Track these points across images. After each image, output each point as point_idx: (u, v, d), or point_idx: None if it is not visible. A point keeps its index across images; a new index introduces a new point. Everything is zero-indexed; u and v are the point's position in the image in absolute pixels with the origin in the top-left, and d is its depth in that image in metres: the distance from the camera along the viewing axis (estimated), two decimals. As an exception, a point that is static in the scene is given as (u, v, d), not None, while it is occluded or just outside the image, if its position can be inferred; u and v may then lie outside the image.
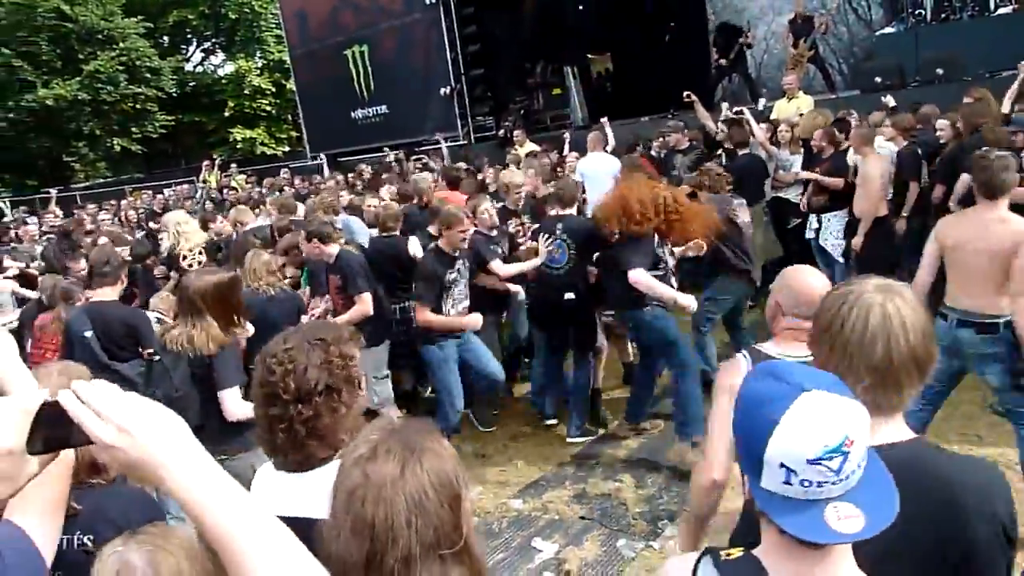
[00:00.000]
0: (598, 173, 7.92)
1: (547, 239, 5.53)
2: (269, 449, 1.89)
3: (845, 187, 6.95)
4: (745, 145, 7.98)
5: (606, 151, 8.87)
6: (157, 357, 3.88)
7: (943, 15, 11.57)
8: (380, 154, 14.18)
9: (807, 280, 2.40)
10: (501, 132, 14.64)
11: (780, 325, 2.44)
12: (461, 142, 15.18)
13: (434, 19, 15.35)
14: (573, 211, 5.65)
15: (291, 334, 1.90)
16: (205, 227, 7.93)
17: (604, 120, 10.08)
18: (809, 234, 7.42)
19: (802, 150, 7.94)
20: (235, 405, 3.61)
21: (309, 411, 1.80)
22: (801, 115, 8.78)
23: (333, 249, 5.45)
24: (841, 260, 7.03)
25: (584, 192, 7.33)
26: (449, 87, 15.37)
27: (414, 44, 15.98)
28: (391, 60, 16.52)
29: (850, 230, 6.86)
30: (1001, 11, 11.13)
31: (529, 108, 15.96)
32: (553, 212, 5.81)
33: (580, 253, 5.46)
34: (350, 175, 12.88)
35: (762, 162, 7.96)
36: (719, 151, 8.42)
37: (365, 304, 5.28)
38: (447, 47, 15.28)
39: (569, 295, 5.45)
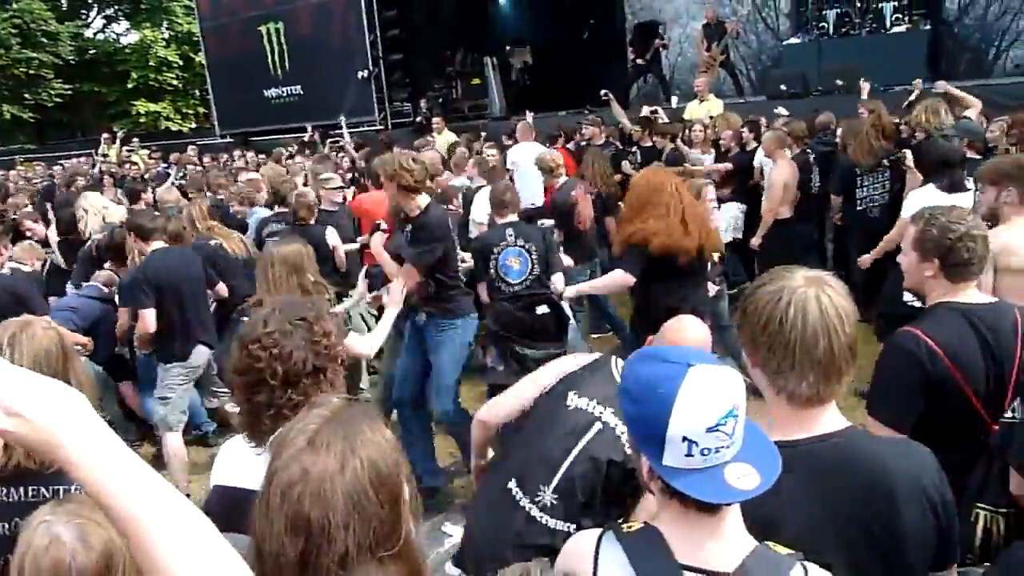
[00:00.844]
0: (529, 164, 7.84)
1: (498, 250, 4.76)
2: (252, 434, 1.82)
3: (732, 175, 7.54)
4: (674, 137, 8.21)
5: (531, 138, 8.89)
6: None
7: (844, 29, 12.18)
8: (295, 135, 13.81)
9: (684, 335, 2.32)
10: (419, 118, 14.51)
11: None
12: (378, 127, 14.96)
13: (353, 0, 15.04)
14: (515, 216, 4.98)
15: (269, 315, 1.82)
16: (136, 199, 7.59)
17: (528, 113, 10.11)
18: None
19: (712, 150, 8.21)
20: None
21: (298, 395, 1.75)
22: (712, 117, 9.08)
23: (155, 246, 5.01)
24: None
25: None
26: (367, 70, 15.11)
27: (332, 24, 15.61)
28: (308, 39, 16.10)
29: (749, 227, 7.21)
30: (896, 29, 11.82)
31: (447, 96, 15.87)
32: (500, 219, 4.96)
33: (541, 262, 4.80)
34: (262, 156, 12.50)
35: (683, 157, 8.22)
36: (633, 148, 8.64)
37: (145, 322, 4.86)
38: (366, 30, 15.01)
39: (542, 308, 4.77)
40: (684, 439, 1.26)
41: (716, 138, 8.19)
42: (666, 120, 8.53)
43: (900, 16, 11.86)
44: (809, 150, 7.39)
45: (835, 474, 1.53)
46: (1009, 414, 2.15)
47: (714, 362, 1.31)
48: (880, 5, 11.99)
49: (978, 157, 5.51)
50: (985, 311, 2.35)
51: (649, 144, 8.47)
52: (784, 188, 6.69)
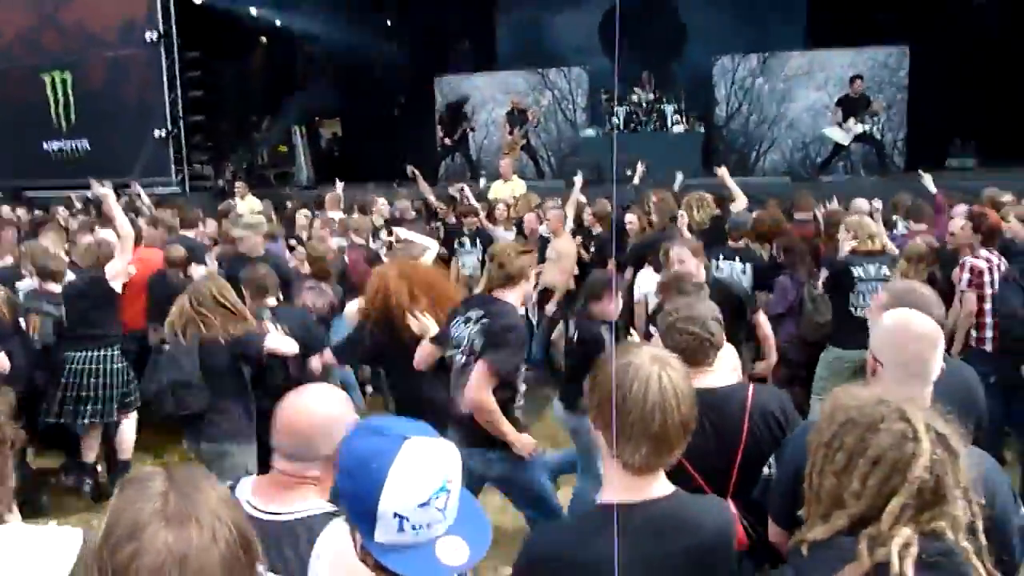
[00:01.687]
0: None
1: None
2: None
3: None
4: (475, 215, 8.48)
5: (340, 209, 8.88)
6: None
7: (632, 125, 13.43)
8: (78, 191, 12.72)
9: None
10: (220, 182, 13.94)
11: None
12: (174, 188, 14.16)
13: (154, 57, 14.33)
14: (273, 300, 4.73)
15: None
16: None
17: (338, 183, 10.03)
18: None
19: (514, 228, 8.58)
20: None
21: None
22: (515, 197, 9.54)
23: None
24: None
25: None
26: (165, 130, 14.36)
27: (128, 79, 14.74)
28: (99, 92, 15.05)
29: (543, 298, 7.58)
30: (676, 129, 13.21)
31: (252, 162, 15.42)
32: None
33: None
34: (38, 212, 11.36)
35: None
36: (438, 223, 8.84)
37: None
38: (166, 88, 14.31)
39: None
40: (395, 515, 1.26)
41: (518, 217, 8.56)
42: (471, 199, 8.84)
43: (679, 118, 13.28)
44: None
45: (664, 530, 1.68)
46: (766, 470, 2.37)
47: (431, 434, 1.33)
48: (662, 107, 13.37)
49: (741, 245, 6.19)
50: (710, 395, 2.44)
51: (454, 221, 8.70)
52: (568, 257, 7.17)
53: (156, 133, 14.35)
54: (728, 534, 1.77)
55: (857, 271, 5.24)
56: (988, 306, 5.20)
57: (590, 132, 14.08)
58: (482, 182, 12.40)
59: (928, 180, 7.65)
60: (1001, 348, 5.08)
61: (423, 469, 1.27)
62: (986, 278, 5.24)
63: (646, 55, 14.30)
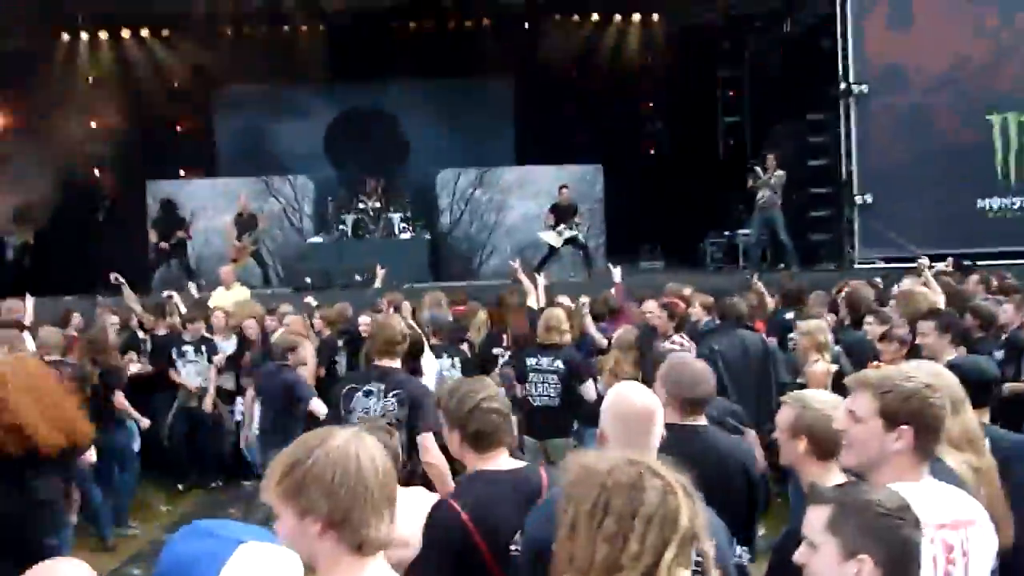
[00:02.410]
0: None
1: None
2: None
3: None
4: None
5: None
6: None
7: (360, 233, 13.59)
8: None
9: None
10: None
11: None
12: None
13: None
14: None
15: None
16: None
17: (29, 298, 8.78)
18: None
19: (234, 336, 8.15)
20: None
21: None
22: (236, 304, 9.08)
23: None
24: None
25: None
26: None
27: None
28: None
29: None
30: (403, 236, 13.61)
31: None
32: None
33: None
34: None
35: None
36: (147, 333, 8.21)
37: None
38: None
39: None
40: None
41: (237, 325, 8.18)
42: (181, 307, 8.31)
43: (405, 225, 13.73)
44: (341, 334, 7.83)
45: None
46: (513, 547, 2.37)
47: (268, 539, 1.20)
48: (390, 215, 13.74)
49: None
50: (511, 477, 2.53)
51: (163, 332, 8.10)
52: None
53: None
54: None
55: (531, 361, 5.72)
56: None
57: (318, 239, 13.99)
58: (193, 288, 11.70)
59: (616, 272, 8.52)
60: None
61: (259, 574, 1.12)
62: (681, 358, 5.94)
63: (373, 166, 14.77)
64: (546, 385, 5.68)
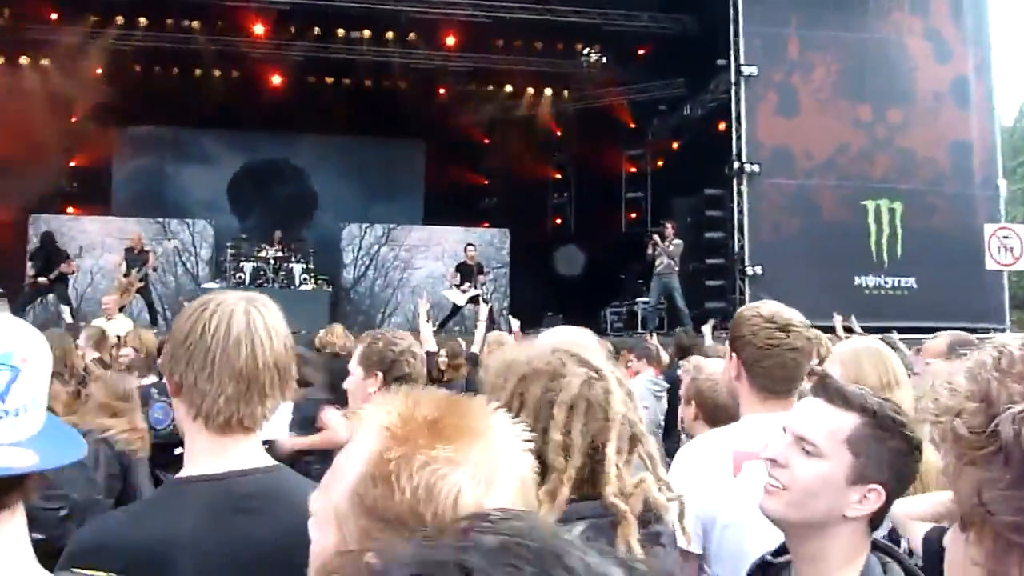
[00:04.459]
0: None
1: None
2: None
3: None
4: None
5: None
6: None
7: (259, 282, 13.24)
8: None
9: None
10: None
11: None
12: None
13: None
14: None
15: None
16: None
17: None
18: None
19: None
20: None
21: None
22: (118, 336, 8.60)
23: None
24: None
25: None
26: None
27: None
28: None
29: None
30: (304, 287, 13.34)
31: None
32: None
33: None
34: None
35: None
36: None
37: None
38: None
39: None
40: None
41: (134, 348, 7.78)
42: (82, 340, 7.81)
43: (307, 276, 13.48)
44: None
45: (257, 508, 1.38)
46: None
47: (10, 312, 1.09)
48: (291, 265, 13.48)
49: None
50: None
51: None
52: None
53: None
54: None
55: None
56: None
57: (213, 285, 13.52)
58: (66, 311, 11.13)
59: (515, 323, 8.72)
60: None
61: None
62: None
63: (278, 216, 14.57)
64: None
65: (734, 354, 1.99)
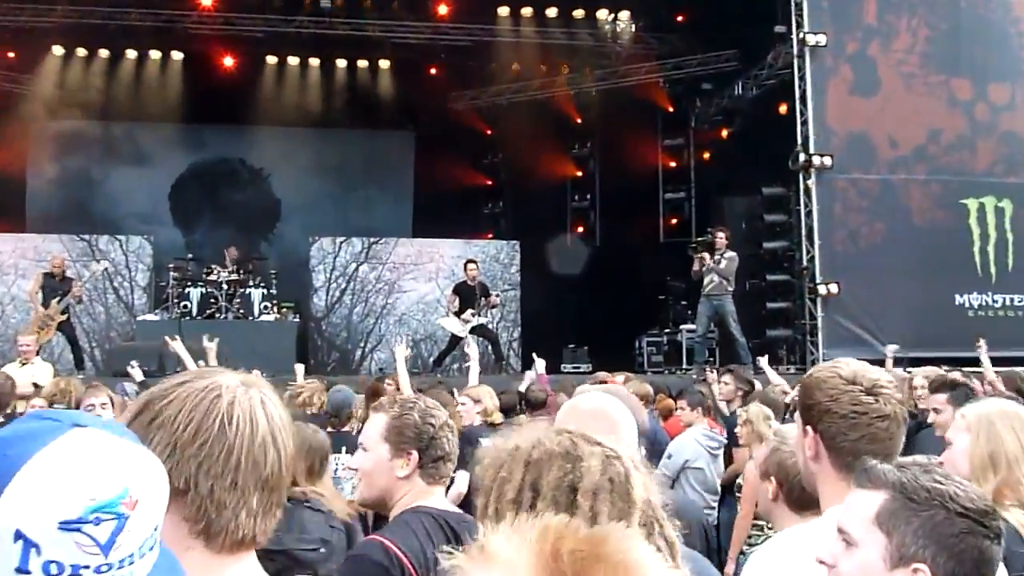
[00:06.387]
0: None
1: None
2: None
3: None
4: None
5: None
6: None
7: (208, 312, 13.21)
8: None
9: None
10: None
11: None
12: None
13: None
14: None
15: None
16: None
17: None
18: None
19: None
20: None
21: None
22: (35, 384, 8.60)
23: None
24: None
25: None
26: None
27: None
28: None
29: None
30: (264, 317, 13.29)
31: None
32: None
33: None
34: None
35: None
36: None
37: None
38: None
39: None
40: (18, 537, 0.93)
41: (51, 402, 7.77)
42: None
43: (268, 305, 13.42)
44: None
45: None
46: None
47: (118, 432, 1.06)
48: (247, 291, 13.44)
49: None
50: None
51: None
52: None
53: None
54: None
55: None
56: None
57: (152, 317, 13.53)
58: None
59: (540, 363, 8.47)
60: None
61: (84, 468, 0.96)
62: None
63: (231, 229, 14.55)
64: None
65: (809, 428, 1.96)
